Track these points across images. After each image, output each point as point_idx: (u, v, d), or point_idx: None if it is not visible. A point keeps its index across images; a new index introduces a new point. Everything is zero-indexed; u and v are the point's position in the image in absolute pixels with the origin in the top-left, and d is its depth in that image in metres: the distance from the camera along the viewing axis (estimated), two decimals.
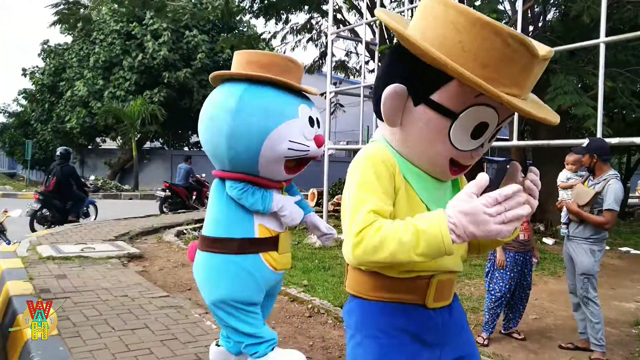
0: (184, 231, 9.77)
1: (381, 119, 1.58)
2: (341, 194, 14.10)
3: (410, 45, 1.39)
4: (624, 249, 10.18)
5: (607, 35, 5.79)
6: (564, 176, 5.71)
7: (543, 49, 1.38)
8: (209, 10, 13.70)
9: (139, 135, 23.24)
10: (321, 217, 10.72)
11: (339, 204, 15.36)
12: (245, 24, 25.35)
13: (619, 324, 5.19)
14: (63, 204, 10.25)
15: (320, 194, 15.00)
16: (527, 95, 1.42)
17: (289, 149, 2.75)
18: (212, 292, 2.84)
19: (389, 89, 1.45)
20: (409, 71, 1.47)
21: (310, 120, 2.90)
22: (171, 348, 3.64)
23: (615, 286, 6.82)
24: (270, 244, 2.88)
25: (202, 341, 3.80)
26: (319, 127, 2.94)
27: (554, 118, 1.40)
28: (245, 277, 2.80)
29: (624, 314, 5.58)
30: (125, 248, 7.16)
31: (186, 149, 30.25)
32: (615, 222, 4.24)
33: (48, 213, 10.15)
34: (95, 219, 11.23)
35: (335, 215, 13.89)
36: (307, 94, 3.01)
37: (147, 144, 28.15)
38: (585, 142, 4.45)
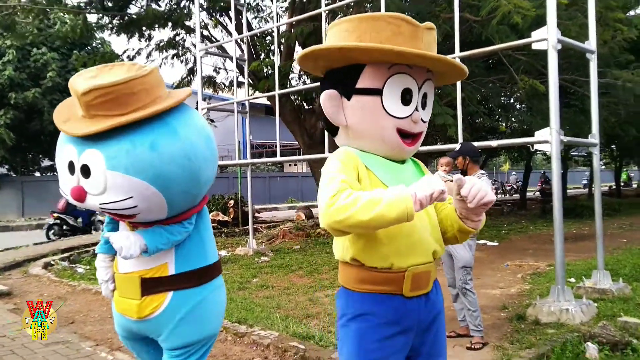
0: (52, 262, 9.08)
1: (333, 134, 1.88)
2: (215, 210, 13.90)
3: (331, 51, 1.72)
4: (481, 241, 11.23)
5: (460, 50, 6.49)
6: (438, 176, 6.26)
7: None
8: (65, 30, 12.78)
9: None
10: None
11: (213, 221, 15.17)
12: (99, 41, 24.11)
13: (489, 309, 5.75)
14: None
15: None
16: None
17: None
18: (217, 325, 2.60)
19: (322, 95, 1.77)
20: (332, 78, 1.80)
21: (70, 166, 2.11)
22: None
23: (479, 276, 7.50)
24: None
25: None
26: (86, 176, 2.06)
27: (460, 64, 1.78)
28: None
29: (492, 299, 6.20)
30: None
31: (37, 174, 27.71)
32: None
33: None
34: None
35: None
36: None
37: None
38: (457, 146, 4.96)
